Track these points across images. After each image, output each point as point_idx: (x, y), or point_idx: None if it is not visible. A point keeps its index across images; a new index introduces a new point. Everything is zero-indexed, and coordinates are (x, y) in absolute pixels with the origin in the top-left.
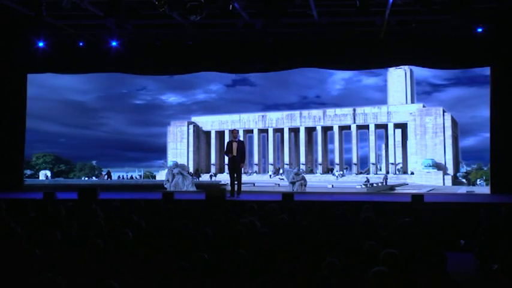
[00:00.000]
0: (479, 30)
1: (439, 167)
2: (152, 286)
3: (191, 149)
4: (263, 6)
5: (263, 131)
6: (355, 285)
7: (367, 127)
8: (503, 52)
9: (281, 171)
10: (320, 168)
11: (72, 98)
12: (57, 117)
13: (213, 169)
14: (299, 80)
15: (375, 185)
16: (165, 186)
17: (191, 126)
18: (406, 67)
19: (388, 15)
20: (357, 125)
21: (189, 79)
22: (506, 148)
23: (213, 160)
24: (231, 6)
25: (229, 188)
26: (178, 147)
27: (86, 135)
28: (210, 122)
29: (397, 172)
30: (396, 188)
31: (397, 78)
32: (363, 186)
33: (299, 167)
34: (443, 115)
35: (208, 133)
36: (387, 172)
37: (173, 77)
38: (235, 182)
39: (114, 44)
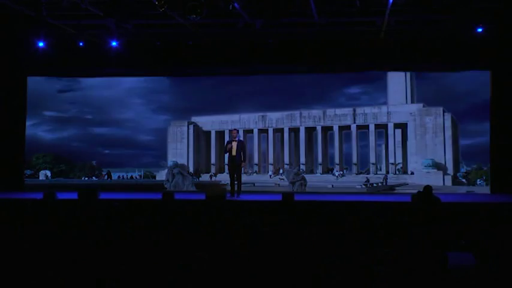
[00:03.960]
0: (479, 30)
1: (439, 167)
2: (152, 286)
3: (191, 149)
4: (263, 6)
5: (263, 131)
6: (355, 285)
7: (367, 127)
8: (504, 53)
9: (281, 171)
10: (320, 168)
11: None
12: None
13: (213, 169)
14: None
15: (374, 185)
16: (165, 186)
17: (191, 126)
18: None
19: (388, 15)
20: (357, 125)
21: None
22: (506, 148)
23: (213, 160)
24: (231, 6)
25: (229, 188)
26: (178, 147)
27: None
28: (210, 122)
29: (397, 172)
30: (396, 188)
31: (397, 78)
32: (363, 186)
33: (299, 167)
34: (443, 115)
35: (208, 133)
36: (387, 172)
37: None
38: (235, 182)
39: (114, 44)
